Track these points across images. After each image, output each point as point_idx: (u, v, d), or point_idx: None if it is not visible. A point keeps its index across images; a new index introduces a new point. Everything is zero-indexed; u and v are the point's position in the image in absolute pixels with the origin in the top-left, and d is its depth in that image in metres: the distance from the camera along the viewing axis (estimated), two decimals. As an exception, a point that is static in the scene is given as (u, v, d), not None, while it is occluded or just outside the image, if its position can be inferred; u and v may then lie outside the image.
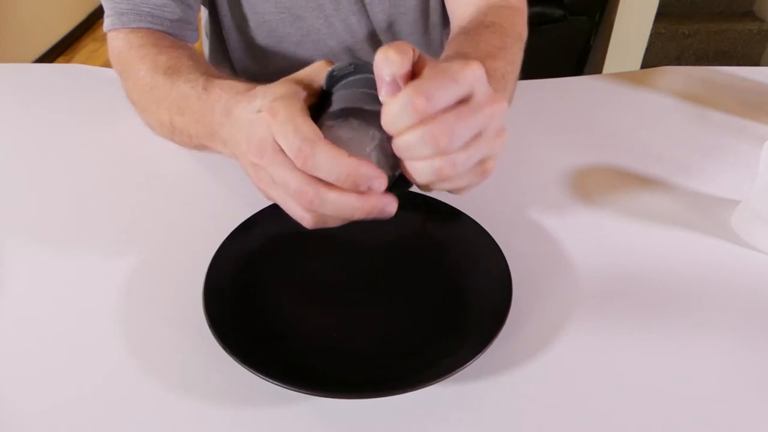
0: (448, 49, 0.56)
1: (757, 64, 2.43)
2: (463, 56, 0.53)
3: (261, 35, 0.75)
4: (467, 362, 0.40)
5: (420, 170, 0.39)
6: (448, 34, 0.80)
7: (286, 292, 0.48)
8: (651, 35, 2.13)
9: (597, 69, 2.18)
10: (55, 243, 0.54)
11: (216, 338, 0.41)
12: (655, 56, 2.33)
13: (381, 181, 0.38)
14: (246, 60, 0.80)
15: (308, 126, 0.38)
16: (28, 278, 0.51)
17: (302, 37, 0.75)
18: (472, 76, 0.37)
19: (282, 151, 0.39)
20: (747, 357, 0.45)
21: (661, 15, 2.12)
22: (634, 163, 0.65)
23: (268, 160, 0.39)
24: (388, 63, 0.37)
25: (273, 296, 0.47)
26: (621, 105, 0.76)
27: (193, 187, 0.61)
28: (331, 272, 0.49)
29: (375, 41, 0.77)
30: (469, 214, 0.52)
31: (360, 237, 0.52)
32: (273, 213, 0.50)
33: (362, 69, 0.41)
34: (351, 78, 0.41)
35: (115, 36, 0.63)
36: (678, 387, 0.43)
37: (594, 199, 0.60)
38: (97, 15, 3.24)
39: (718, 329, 0.47)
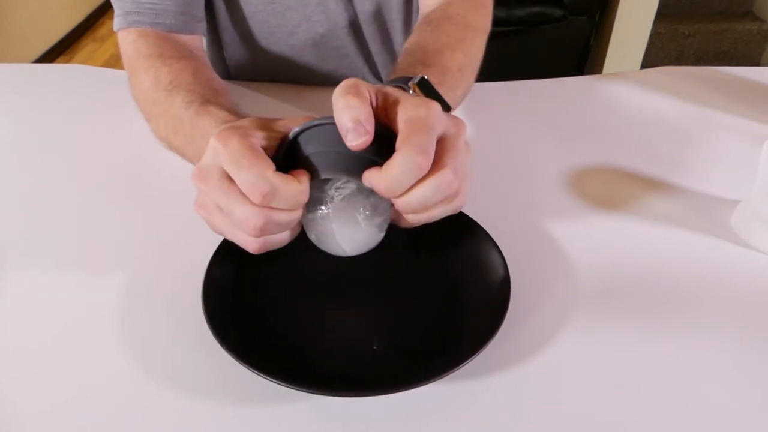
0: (411, 37, 0.58)
1: (757, 64, 2.43)
2: (421, 49, 0.55)
3: (254, 27, 0.77)
4: (465, 361, 0.40)
5: (436, 215, 0.40)
6: None
7: (285, 291, 0.48)
8: (651, 35, 2.13)
9: (597, 69, 2.18)
10: (55, 243, 0.54)
11: (215, 337, 0.41)
12: (655, 56, 2.33)
13: None
14: (241, 52, 0.80)
15: (261, 160, 0.37)
16: (27, 279, 0.51)
17: (293, 27, 0.76)
18: (438, 116, 0.38)
19: (229, 178, 0.38)
20: (747, 357, 0.45)
21: (661, 15, 2.12)
22: (634, 163, 0.65)
23: (212, 185, 0.39)
24: (349, 109, 0.37)
25: (272, 295, 0.47)
26: (621, 105, 0.76)
27: (192, 188, 0.61)
28: (330, 271, 0.49)
29: (358, 30, 0.78)
30: (468, 213, 0.52)
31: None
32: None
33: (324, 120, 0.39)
34: (314, 128, 0.40)
35: (124, 36, 0.63)
36: (677, 386, 0.43)
37: (593, 199, 0.60)
38: (97, 15, 3.24)
39: (718, 329, 0.47)
